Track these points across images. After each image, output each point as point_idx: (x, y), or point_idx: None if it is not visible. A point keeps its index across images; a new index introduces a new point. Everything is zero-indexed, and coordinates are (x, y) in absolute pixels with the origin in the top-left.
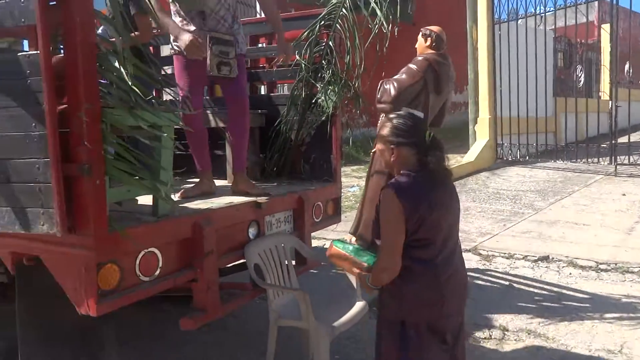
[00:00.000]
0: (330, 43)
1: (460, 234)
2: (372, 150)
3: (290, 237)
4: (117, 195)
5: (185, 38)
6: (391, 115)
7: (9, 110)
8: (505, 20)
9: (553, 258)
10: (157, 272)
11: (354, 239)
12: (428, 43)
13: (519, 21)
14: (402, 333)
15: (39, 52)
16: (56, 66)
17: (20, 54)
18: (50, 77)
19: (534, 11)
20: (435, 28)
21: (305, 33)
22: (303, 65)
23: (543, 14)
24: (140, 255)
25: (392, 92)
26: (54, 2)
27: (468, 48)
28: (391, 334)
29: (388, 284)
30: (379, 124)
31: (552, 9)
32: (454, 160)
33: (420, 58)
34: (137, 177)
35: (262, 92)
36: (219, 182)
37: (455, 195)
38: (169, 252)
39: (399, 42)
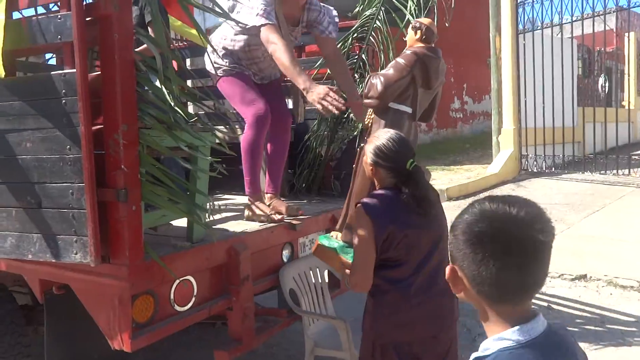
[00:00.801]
0: (363, 56)
1: None
2: (361, 145)
3: None
4: (153, 220)
5: (321, 91)
6: (379, 133)
7: (43, 132)
8: (530, 29)
9: (591, 277)
10: (192, 301)
11: (340, 235)
12: (418, 36)
13: (542, 30)
14: (374, 353)
15: (75, 70)
16: (91, 85)
17: (54, 72)
18: (86, 97)
19: (560, 20)
20: (425, 20)
21: (338, 45)
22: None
23: (570, 22)
24: (175, 284)
25: (379, 87)
26: (91, 18)
27: (491, 57)
28: (365, 352)
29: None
30: (366, 120)
31: (578, 17)
32: (476, 172)
33: (408, 52)
34: (173, 201)
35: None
36: (242, 199)
37: (439, 221)
38: (203, 279)
39: None
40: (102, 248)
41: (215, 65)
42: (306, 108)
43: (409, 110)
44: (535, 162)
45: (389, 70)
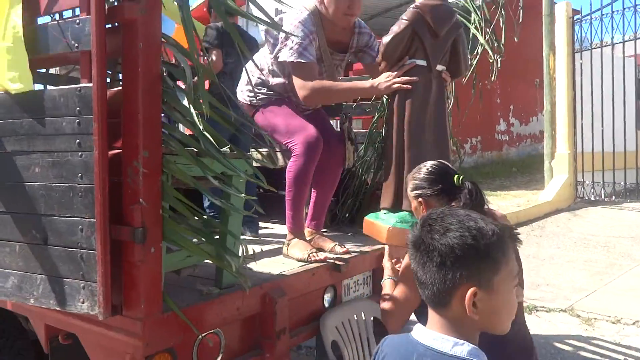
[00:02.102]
0: None
1: (550, 289)
2: None
3: (369, 304)
4: (175, 263)
5: (383, 78)
6: (412, 173)
7: (53, 156)
8: (587, 48)
9: None
10: (219, 358)
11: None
12: None
13: (601, 49)
14: None
15: (91, 84)
16: (110, 102)
17: (68, 87)
18: (103, 116)
19: (622, 38)
20: None
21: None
22: (384, 99)
23: (632, 40)
24: (199, 339)
25: (381, 47)
26: (114, 25)
27: (544, 77)
28: None
29: None
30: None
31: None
32: (525, 199)
33: (410, 8)
34: (200, 242)
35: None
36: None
37: None
38: (232, 332)
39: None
40: (115, 297)
41: (251, 95)
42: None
43: (422, 62)
44: (592, 190)
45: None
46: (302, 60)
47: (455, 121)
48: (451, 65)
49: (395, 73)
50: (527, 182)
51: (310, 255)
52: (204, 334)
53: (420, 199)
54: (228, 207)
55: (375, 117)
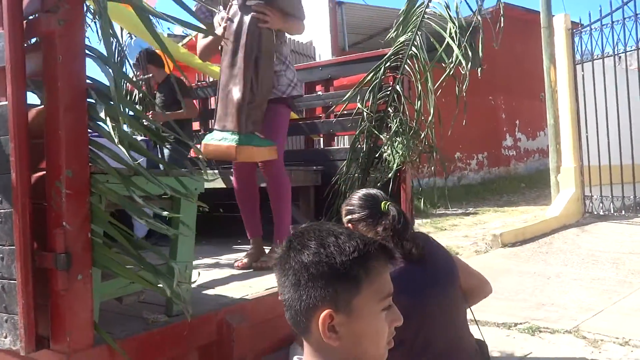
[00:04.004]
0: (397, 87)
1: (555, 308)
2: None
3: None
4: (114, 291)
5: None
6: (348, 198)
7: None
8: (589, 59)
9: None
10: None
11: None
12: None
13: (602, 60)
14: None
15: (7, 102)
16: (34, 122)
17: None
18: (21, 135)
19: (624, 49)
20: None
21: (369, 76)
22: (365, 113)
23: (635, 50)
24: None
25: None
26: (35, 40)
27: (545, 91)
28: None
29: None
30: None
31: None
32: (533, 214)
33: None
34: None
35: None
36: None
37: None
38: None
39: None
40: (43, 329)
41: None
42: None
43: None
44: (601, 204)
45: None
46: None
47: (438, 134)
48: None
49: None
50: (535, 198)
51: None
52: None
53: (349, 224)
54: (170, 233)
55: (357, 132)
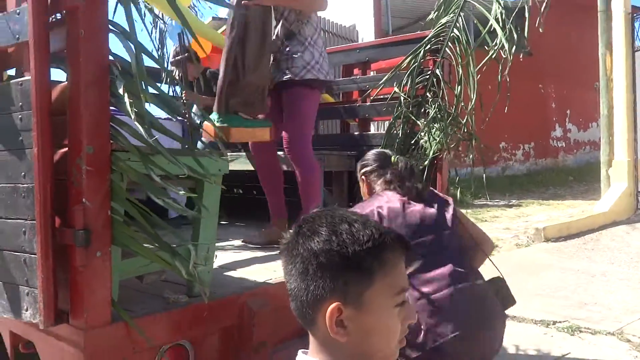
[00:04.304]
0: (437, 71)
1: (599, 308)
2: None
3: None
4: (134, 269)
5: None
6: (363, 157)
7: (1, 155)
8: None
9: None
10: None
11: None
12: None
13: None
14: None
15: (30, 77)
16: (58, 98)
17: (12, 81)
18: (43, 111)
19: None
20: None
21: (407, 60)
22: (402, 98)
23: None
24: (162, 350)
25: None
26: (58, 16)
27: (600, 79)
28: None
29: None
30: None
31: None
32: (580, 209)
33: None
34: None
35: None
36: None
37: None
38: (204, 345)
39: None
40: (64, 304)
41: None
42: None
43: None
44: None
45: None
46: None
47: (479, 121)
48: None
49: None
50: (583, 192)
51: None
52: (167, 346)
53: (362, 176)
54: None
55: (393, 118)
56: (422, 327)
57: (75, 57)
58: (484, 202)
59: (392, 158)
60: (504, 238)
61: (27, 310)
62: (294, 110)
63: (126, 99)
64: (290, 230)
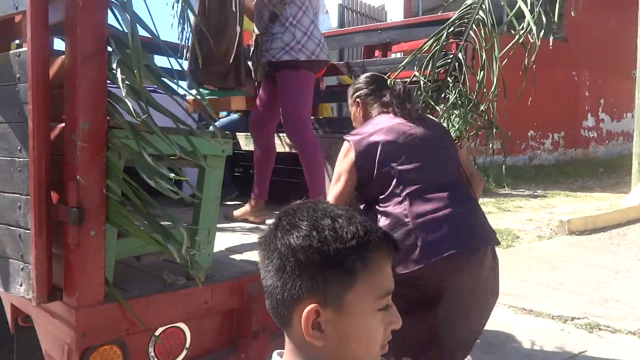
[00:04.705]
0: (460, 55)
1: (620, 306)
2: None
3: None
4: (130, 249)
5: None
6: (354, 81)
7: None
8: None
9: None
10: (183, 355)
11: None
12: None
13: None
14: None
15: (26, 48)
16: (58, 71)
17: (11, 52)
18: (39, 83)
19: None
20: None
21: (429, 43)
22: (422, 83)
23: None
24: (157, 333)
25: None
26: None
27: (638, 68)
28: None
29: None
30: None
31: None
32: (608, 202)
33: None
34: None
35: None
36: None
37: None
38: (201, 328)
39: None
40: (59, 280)
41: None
42: None
43: None
44: None
45: None
46: None
47: (503, 109)
48: None
49: None
50: (613, 185)
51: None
52: (163, 328)
53: (358, 100)
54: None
55: None
56: (418, 244)
57: (72, 28)
58: (508, 192)
59: (388, 82)
60: (525, 229)
61: (21, 285)
62: (280, 93)
63: (118, 74)
64: (269, 223)
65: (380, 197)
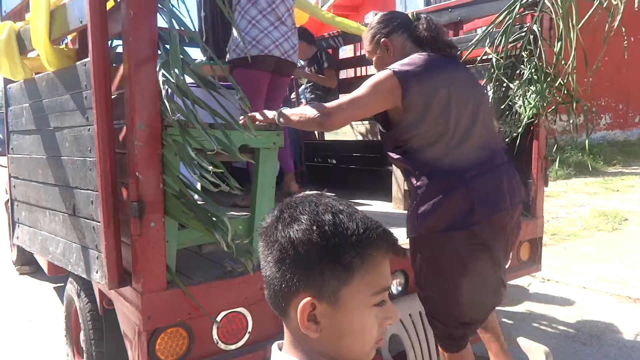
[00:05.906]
0: (534, 27)
1: None
2: None
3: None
4: (192, 239)
5: None
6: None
7: (75, 131)
8: None
9: None
10: (245, 338)
11: None
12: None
13: None
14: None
15: (89, 59)
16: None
17: (79, 62)
18: (101, 89)
19: None
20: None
21: (501, 16)
22: (494, 59)
23: None
24: (219, 317)
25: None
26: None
27: None
28: None
29: None
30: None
31: None
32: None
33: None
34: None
35: None
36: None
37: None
38: (263, 313)
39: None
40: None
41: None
42: None
43: None
44: None
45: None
46: None
47: (583, 82)
48: None
49: None
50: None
51: None
52: (224, 313)
53: (381, 40)
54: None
55: (484, 81)
56: (475, 204)
57: (126, 37)
58: (619, 170)
59: (410, 15)
60: (636, 210)
61: (97, 272)
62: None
63: (160, 76)
64: (272, 214)
65: (423, 147)
